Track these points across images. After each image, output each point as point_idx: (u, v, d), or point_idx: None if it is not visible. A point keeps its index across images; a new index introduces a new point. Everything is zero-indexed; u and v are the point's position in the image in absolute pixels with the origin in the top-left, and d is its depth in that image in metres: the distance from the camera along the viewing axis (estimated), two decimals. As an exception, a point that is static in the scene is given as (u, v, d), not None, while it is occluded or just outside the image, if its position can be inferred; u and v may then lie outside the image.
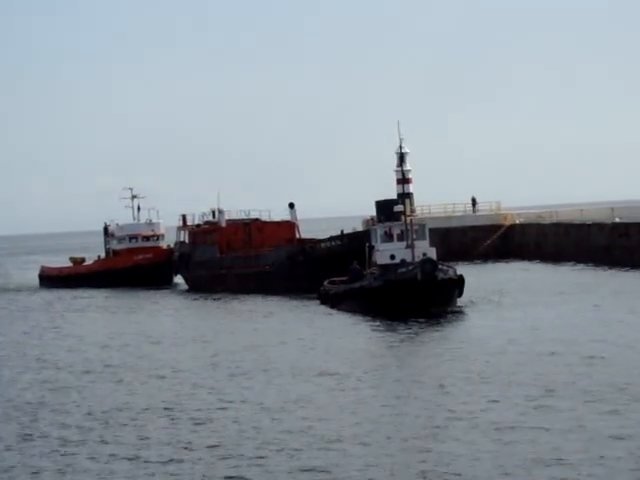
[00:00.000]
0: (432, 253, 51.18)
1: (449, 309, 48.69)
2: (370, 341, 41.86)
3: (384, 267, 50.97)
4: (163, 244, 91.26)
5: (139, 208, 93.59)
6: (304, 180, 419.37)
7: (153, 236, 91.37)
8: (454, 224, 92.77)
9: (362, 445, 23.25)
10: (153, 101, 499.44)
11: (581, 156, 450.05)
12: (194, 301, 69.01)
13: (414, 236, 51.50)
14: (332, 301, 55.17)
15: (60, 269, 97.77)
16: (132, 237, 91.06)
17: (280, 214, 77.57)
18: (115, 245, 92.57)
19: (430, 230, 54.09)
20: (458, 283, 49.84)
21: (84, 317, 60.67)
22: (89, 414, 28.55)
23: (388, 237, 52.86)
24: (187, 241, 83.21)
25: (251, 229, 78.41)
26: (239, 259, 75.48)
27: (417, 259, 49.85)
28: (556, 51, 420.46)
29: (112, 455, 23.55)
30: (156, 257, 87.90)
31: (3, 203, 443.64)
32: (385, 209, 54.19)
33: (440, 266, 49.53)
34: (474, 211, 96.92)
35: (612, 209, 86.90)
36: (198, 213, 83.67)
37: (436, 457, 21.87)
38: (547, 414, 25.19)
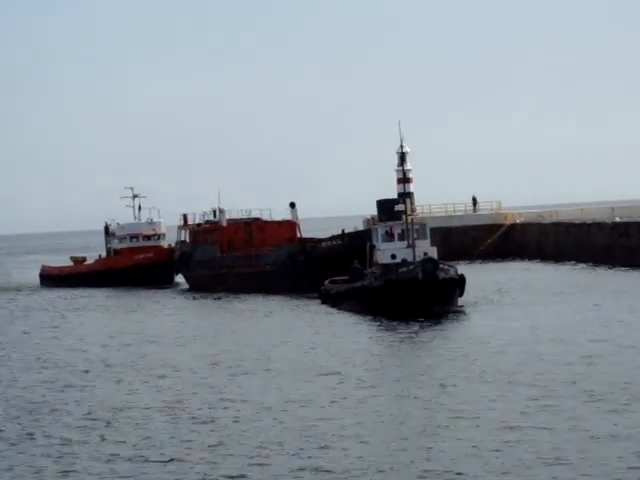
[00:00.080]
0: (433, 252, 51.21)
1: (450, 309, 48.72)
2: (371, 341, 41.88)
3: (385, 266, 50.97)
4: (164, 243, 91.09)
5: (140, 207, 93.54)
6: (305, 180, 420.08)
7: (154, 235, 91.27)
8: (455, 223, 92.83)
9: (363, 444, 23.27)
10: (153, 101, 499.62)
11: (581, 156, 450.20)
12: (195, 300, 69.05)
13: (415, 235, 51.52)
14: (333, 301, 55.19)
15: (61, 268, 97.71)
16: (133, 236, 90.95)
17: (281, 213, 77.70)
18: (116, 244, 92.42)
19: (431, 229, 54.16)
20: (459, 283, 49.86)
21: (85, 316, 60.62)
22: (90, 413, 28.55)
23: (389, 236, 52.89)
24: (188, 240, 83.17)
25: (252, 228, 78.41)
26: (240, 258, 75.45)
27: (418, 258, 49.86)
28: (556, 51, 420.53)
29: (113, 454, 23.55)
30: (157, 256, 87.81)
31: (3, 203, 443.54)
32: (386, 208, 54.21)
33: (441, 265, 49.54)
34: (475, 211, 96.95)
35: (612, 209, 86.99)
36: (199, 212, 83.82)
37: (437, 456, 21.89)
38: (547, 414, 25.21)
